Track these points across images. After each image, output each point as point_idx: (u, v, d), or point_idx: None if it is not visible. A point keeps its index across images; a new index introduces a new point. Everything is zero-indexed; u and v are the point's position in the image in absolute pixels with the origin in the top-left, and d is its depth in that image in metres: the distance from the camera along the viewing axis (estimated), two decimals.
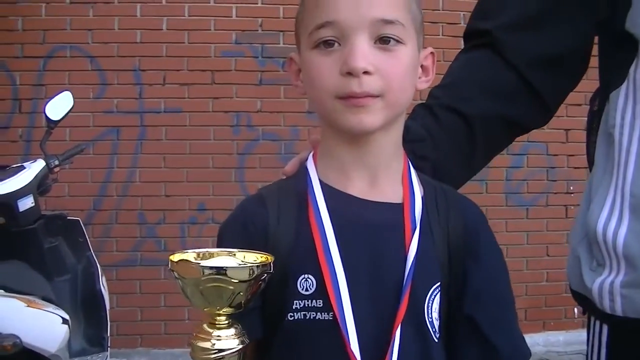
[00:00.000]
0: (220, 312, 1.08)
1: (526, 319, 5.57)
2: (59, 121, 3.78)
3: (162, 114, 5.26)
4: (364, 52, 1.16)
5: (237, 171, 5.30)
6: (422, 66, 1.30)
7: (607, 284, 1.32)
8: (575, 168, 5.48)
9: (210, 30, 5.29)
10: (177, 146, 5.26)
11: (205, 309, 1.08)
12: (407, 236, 1.22)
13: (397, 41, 1.19)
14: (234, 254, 1.12)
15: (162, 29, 5.26)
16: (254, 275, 1.05)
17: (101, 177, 5.24)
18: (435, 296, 1.22)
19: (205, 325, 1.09)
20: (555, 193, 5.65)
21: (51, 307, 3.34)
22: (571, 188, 5.59)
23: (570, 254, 1.47)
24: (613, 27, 1.38)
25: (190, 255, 1.10)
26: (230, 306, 1.07)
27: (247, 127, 5.31)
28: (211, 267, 1.04)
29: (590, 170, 1.47)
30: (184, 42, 5.27)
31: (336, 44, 1.18)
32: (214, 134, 5.29)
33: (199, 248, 1.12)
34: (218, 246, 1.22)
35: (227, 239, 1.24)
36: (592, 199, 1.39)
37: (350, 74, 1.16)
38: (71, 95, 3.81)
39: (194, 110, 5.27)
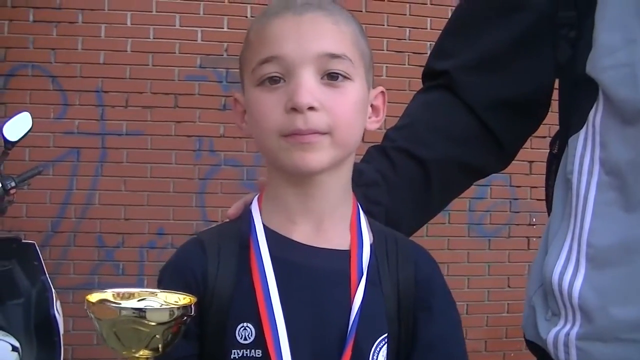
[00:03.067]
0: (137, 355, 1.01)
1: (486, 349, 5.57)
2: (16, 142, 3.70)
3: (124, 137, 5.20)
4: (309, 88, 1.12)
5: (198, 196, 5.25)
6: (372, 106, 1.26)
7: (562, 336, 1.29)
8: (538, 200, 5.47)
9: (174, 53, 5.25)
10: (138, 169, 5.20)
11: (123, 352, 1.02)
12: (353, 285, 1.17)
13: (345, 77, 1.15)
14: (156, 294, 1.06)
15: (126, 51, 5.20)
16: (173, 317, 0.99)
17: (60, 198, 5.16)
18: (381, 349, 1.17)
19: None
20: (518, 224, 5.66)
21: (0, 335, 3.26)
22: (534, 220, 5.60)
23: (525, 303, 1.43)
24: (573, 70, 1.36)
25: (109, 294, 1.05)
26: (147, 349, 1.01)
27: (209, 152, 5.26)
28: (128, 309, 0.99)
29: (549, 214, 1.45)
30: (147, 65, 5.22)
31: (281, 81, 1.14)
32: (175, 158, 5.24)
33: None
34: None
35: (166, 284, 1.18)
36: (548, 247, 1.36)
37: (295, 110, 1.11)
38: (30, 116, 3.74)
39: (156, 134, 5.21)
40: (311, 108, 1.11)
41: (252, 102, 1.18)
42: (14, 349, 3.26)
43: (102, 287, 4.99)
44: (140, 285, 5.09)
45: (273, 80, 1.14)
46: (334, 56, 1.14)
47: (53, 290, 3.72)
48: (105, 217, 5.18)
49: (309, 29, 1.15)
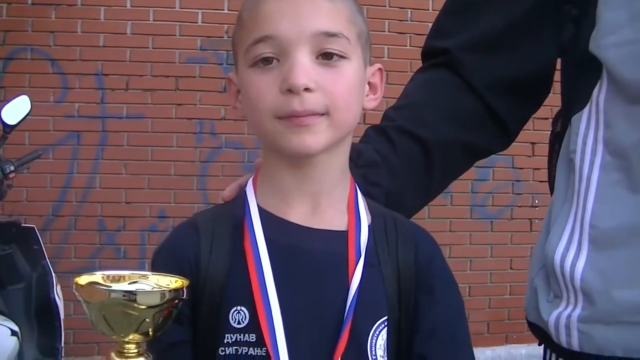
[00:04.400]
0: (127, 339, 1.00)
1: (489, 331, 5.57)
2: (15, 126, 3.69)
3: (124, 120, 5.18)
4: (304, 68, 1.09)
5: (199, 179, 5.24)
6: (369, 83, 1.23)
7: (563, 318, 1.28)
8: (541, 182, 5.46)
9: (175, 35, 5.22)
10: (138, 153, 5.19)
11: (113, 337, 1.00)
12: (351, 267, 1.15)
13: (341, 56, 1.12)
14: (147, 277, 1.04)
15: (126, 33, 5.18)
16: (164, 300, 0.97)
17: (60, 182, 5.14)
18: (380, 332, 1.15)
19: (113, 354, 1.00)
20: (520, 206, 5.65)
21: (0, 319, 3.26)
22: (536, 202, 5.59)
23: (528, 285, 1.42)
24: (577, 48, 1.33)
25: (98, 277, 1.02)
26: (137, 333, 0.99)
27: (210, 135, 5.24)
28: (118, 291, 0.97)
29: (552, 195, 1.43)
30: (148, 47, 5.19)
31: (275, 61, 1.11)
32: (176, 141, 5.23)
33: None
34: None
35: (158, 267, 1.16)
36: (551, 228, 1.34)
37: (290, 91, 1.08)
38: (29, 100, 3.72)
39: (156, 117, 5.20)
40: (307, 89, 1.08)
41: (246, 83, 1.15)
42: (13, 333, 3.26)
43: (103, 270, 5.00)
44: (142, 269, 5.02)
45: (267, 60, 1.11)
46: (329, 35, 1.11)
47: (53, 274, 3.72)
48: (106, 200, 5.17)
49: (304, 7, 1.12)
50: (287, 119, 1.10)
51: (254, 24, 1.13)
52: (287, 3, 1.12)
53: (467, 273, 5.49)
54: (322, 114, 1.11)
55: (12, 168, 3.61)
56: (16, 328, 3.28)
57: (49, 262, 3.75)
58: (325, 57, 1.11)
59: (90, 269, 4.94)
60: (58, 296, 3.69)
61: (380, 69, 1.25)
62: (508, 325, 5.59)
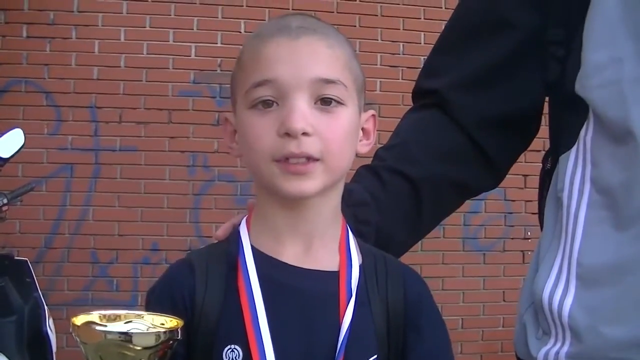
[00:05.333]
0: None
1: None
2: (8, 159, 3.69)
3: (118, 152, 5.18)
4: (303, 113, 1.11)
5: (192, 212, 5.23)
6: (363, 129, 1.25)
7: (552, 355, 1.28)
8: (533, 214, 5.38)
9: (168, 68, 5.24)
10: (131, 185, 5.18)
11: None
12: (342, 305, 1.16)
13: (338, 102, 1.15)
14: (142, 317, 1.05)
15: (119, 66, 5.20)
16: (159, 341, 0.98)
17: (53, 214, 5.13)
18: None
19: None
20: (513, 239, 5.65)
21: None
22: (529, 234, 5.59)
23: (517, 321, 1.42)
24: (563, 88, 1.35)
25: (95, 316, 1.03)
26: None
27: (203, 168, 5.24)
28: (114, 332, 0.98)
29: (542, 230, 1.44)
30: (141, 80, 5.21)
31: (274, 104, 1.13)
32: (169, 173, 5.22)
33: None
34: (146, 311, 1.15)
35: (153, 305, 1.17)
36: (539, 264, 1.35)
37: (288, 135, 1.11)
38: (22, 133, 3.72)
39: (149, 149, 5.20)
40: (304, 133, 1.11)
41: (244, 124, 1.17)
42: None
43: (96, 303, 5.03)
44: (135, 301, 5.10)
45: (266, 103, 1.14)
46: (328, 81, 1.14)
47: (46, 307, 3.69)
48: (99, 233, 5.15)
49: (304, 54, 1.15)
50: (285, 163, 1.12)
51: (254, 67, 1.16)
52: (287, 48, 1.14)
53: (459, 305, 5.48)
54: (317, 160, 1.13)
55: (5, 200, 3.61)
56: None
57: (41, 295, 3.73)
58: (324, 102, 1.14)
59: (83, 302, 4.99)
60: (50, 329, 3.67)
61: (373, 115, 1.27)
62: (501, 357, 5.56)
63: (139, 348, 0.97)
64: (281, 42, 1.15)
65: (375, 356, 1.17)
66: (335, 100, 1.15)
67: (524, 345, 1.37)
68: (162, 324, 1.04)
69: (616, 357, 1.21)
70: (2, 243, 4.79)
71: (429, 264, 5.12)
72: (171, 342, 1.01)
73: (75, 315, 1.01)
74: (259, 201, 1.25)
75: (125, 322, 1.05)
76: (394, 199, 1.48)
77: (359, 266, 1.22)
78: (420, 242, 1.60)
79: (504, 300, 5.60)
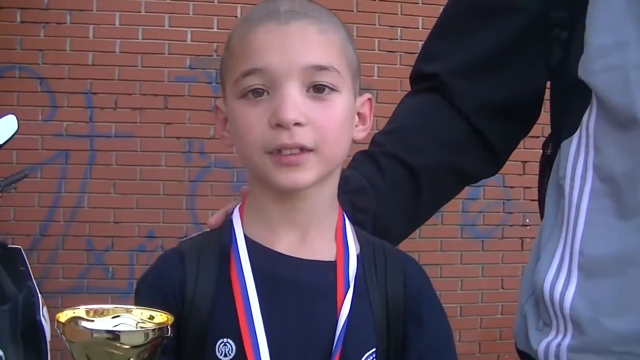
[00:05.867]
0: None
1: (480, 352, 5.55)
2: (2, 145, 3.67)
3: (113, 139, 5.15)
4: (295, 102, 1.07)
5: (188, 199, 5.21)
6: (359, 114, 1.21)
7: (553, 347, 1.26)
8: (532, 200, 5.39)
9: (164, 54, 5.20)
10: (127, 172, 5.15)
11: None
12: (339, 297, 1.13)
13: (332, 89, 1.11)
14: (131, 311, 1.01)
15: (114, 52, 5.16)
16: (148, 339, 0.94)
17: (48, 201, 5.11)
18: None
19: None
20: (511, 225, 5.63)
21: None
22: (527, 220, 5.58)
23: (517, 312, 1.40)
24: (565, 73, 1.32)
25: (81, 311, 0.98)
26: None
27: (199, 154, 5.21)
28: (101, 331, 0.93)
29: (542, 217, 1.41)
30: (136, 66, 5.17)
31: (265, 93, 1.09)
32: (165, 160, 5.20)
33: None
34: (135, 302, 1.12)
35: (143, 297, 1.15)
36: (540, 254, 1.32)
37: (280, 125, 1.07)
38: (16, 119, 3.70)
39: (145, 136, 5.17)
40: (297, 124, 1.07)
41: (235, 114, 1.13)
42: None
43: (91, 291, 5.01)
44: (130, 289, 5.06)
45: (257, 92, 1.10)
46: (320, 68, 1.10)
47: (40, 295, 3.69)
48: (94, 220, 5.13)
49: (295, 40, 1.10)
50: (277, 155, 1.09)
51: (243, 55, 1.12)
52: (277, 34, 1.10)
53: (458, 293, 5.47)
54: (310, 150, 1.09)
55: None
56: (0, 352, 3.24)
57: (35, 284, 3.73)
58: (316, 90, 1.10)
59: (78, 289, 4.97)
60: (44, 318, 3.66)
61: (369, 99, 1.23)
62: (499, 345, 5.57)
63: (127, 346, 0.93)
64: (270, 27, 1.11)
65: (374, 349, 1.14)
66: (328, 87, 1.11)
67: (524, 336, 1.35)
68: (152, 318, 1.00)
69: (619, 350, 1.19)
70: None
71: (427, 251, 5.09)
72: (160, 339, 0.96)
73: (64, 308, 0.98)
74: (253, 191, 1.21)
75: (113, 317, 1.00)
76: (393, 187, 1.45)
77: (357, 256, 1.19)
78: (418, 229, 1.58)
79: (502, 288, 5.60)
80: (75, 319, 0.97)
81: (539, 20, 1.41)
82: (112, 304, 1.01)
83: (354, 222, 1.27)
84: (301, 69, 1.08)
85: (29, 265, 3.76)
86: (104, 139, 5.15)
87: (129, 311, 1.00)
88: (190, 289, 1.14)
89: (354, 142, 1.21)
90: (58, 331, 0.95)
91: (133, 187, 5.16)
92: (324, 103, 1.10)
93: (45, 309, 3.70)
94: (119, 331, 0.94)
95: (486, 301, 5.59)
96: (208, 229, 1.26)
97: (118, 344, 0.92)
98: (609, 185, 1.21)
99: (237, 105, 1.12)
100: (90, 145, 5.14)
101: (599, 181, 1.22)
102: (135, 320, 1.00)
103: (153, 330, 0.95)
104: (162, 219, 5.18)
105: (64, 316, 0.96)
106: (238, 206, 1.24)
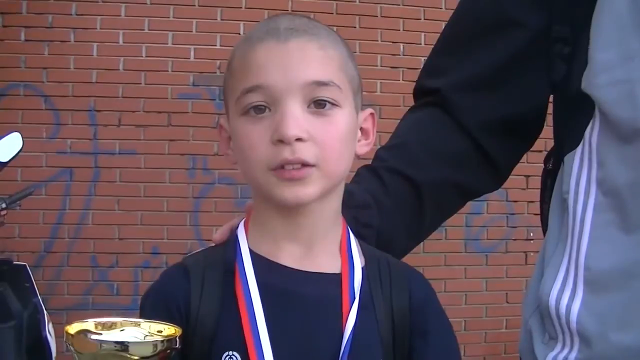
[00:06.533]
0: None
1: None
2: (7, 163, 3.68)
3: (117, 156, 5.16)
4: (296, 119, 1.08)
5: (192, 215, 5.21)
6: (361, 129, 1.21)
7: None
8: (535, 214, 5.39)
9: (167, 71, 5.22)
10: (131, 189, 5.16)
11: None
12: (345, 310, 1.13)
13: (333, 104, 1.11)
14: (139, 324, 1.01)
15: (118, 69, 5.17)
16: (157, 351, 0.95)
17: (53, 218, 5.11)
18: None
19: None
20: (515, 239, 5.63)
21: None
22: (531, 234, 5.56)
23: (522, 326, 1.39)
24: (569, 87, 1.32)
25: (90, 324, 0.98)
26: None
27: (203, 171, 5.22)
28: (109, 342, 0.94)
29: (544, 231, 1.41)
30: (140, 83, 5.19)
31: (267, 110, 1.10)
32: (169, 176, 5.21)
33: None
34: (140, 317, 1.09)
35: (147, 312, 1.15)
36: (545, 268, 1.32)
37: (281, 141, 1.07)
38: (20, 137, 3.71)
39: (149, 153, 5.18)
40: (299, 139, 1.08)
41: (238, 132, 1.14)
42: None
43: (96, 307, 5.01)
44: (135, 306, 5.01)
45: (258, 109, 1.10)
46: (320, 84, 1.10)
47: (45, 312, 3.69)
48: (98, 237, 5.13)
49: (295, 57, 1.11)
50: (280, 171, 1.09)
51: (244, 73, 1.12)
52: (277, 52, 1.11)
53: (462, 307, 5.46)
54: (313, 165, 1.09)
55: (3, 205, 3.60)
56: None
57: (40, 300, 3.73)
58: (317, 105, 1.10)
59: (83, 306, 4.97)
60: (50, 334, 3.66)
61: (372, 114, 1.24)
62: (504, 359, 5.56)
63: (136, 357, 0.93)
64: (270, 45, 1.12)
65: None
66: (329, 102, 1.11)
67: (529, 351, 1.35)
68: (160, 332, 1.01)
69: None
70: (1, 248, 4.78)
71: (431, 265, 5.08)
72: (169, 351, 0.97)
73: (70, 323, 0.98)
74: (257, 207, 1.21)
75: (121, 330, 1.01)
76: (396, 202, 1.45)
77: (362, 269, 1.19)
78: (422, 243, 1.58)
79: (506, 302, 5.58)
80: (83, 332, 0.97)
81: (541, 35, 1.41)
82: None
83: (358, 237, 1.27)
84: (301, 85, 1.09)
85: (34, 282, 3.76)
86: (108, 156, 5.16)
87: (137, 324, 1.01)
88: (195, 303, 1.14)
89: (358, 157, 1.21)
90: (67, 344, 0.95)
91: (137, 203, 5.17)
92: (325, 118, 1.11)
93: (50, 325, 3.70)
94: (128, 342, 0.94)
95: (490, 315, 5.58)
96: (213, 245, 1.26)
97: (127, 355, 0.92)
98: (613, 199, 1.21)
99: (240, 123, 1.13)
100: (94, 163, 5.15)
101: (602, 195, 1.22)
102: (143, 333, 1.00)
103: (162, 341, 0.96)
104: (166, 235, 5.18)
105: (72, 328, 0.96)
106: (243, 221, 1.24)
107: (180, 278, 1.18)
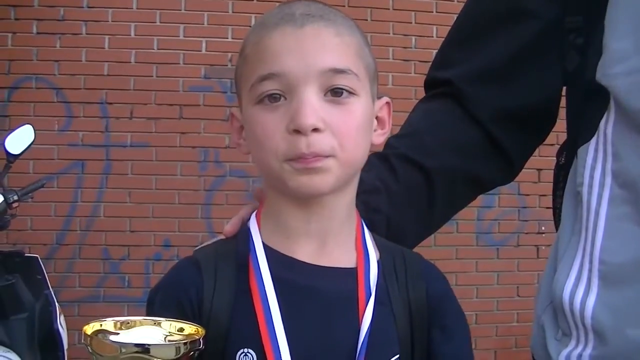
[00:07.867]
0: None
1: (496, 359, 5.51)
2: (19, 155, 3.69)
3: (129, 148, 5.17)
4: (313, 107, 1.04)
5: (204, 208, 5.21)
6: (377, 118, 1.19)
7: (574, 357, 1.22)
8: (547, 208, 5.35)
9: (179, 64, 5.22)
10: (143, 181, 5.17)
11: None
12: (361, 305, 1.11)
13: (350, 92, 1.08)
14: (159, 324, 0.98)
15: (130, 62, 5.18)
16: (180, 354, 0.91)
17: (65, 211, 5.12)
18: None
19: None
20: (527, 233, 5.61)
21: (1, 351, 3.23)
22: (543, 228, 5.55)
23: (534, 322, 1.37)
24: (582, 78, 1.29)
25: (109, 324, 0.96)
26: None
27: (215, 163, 5.22)
28: (130, 345, 0.90)
29: (557, 227, 1.39)
30: (152, 76, 5.19)
31: (282, 98, 1.07)
32: (180, 169, 5.20)
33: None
34: (148, 313, 1.09)
35: (157, 308, 1.12)
36: (558, 263, 1.29)
37: (298, 131, 1.04)
38: (32, 129, 3.72)
39: (161, 145, 5.18)
40: (315, 129, 1.05)
41: (252, 121, 1.11)
42: None
43: (107, 300, 5.02)
44: (146, 298, 5.01)
45: (273, 97, 1.07)
46: (338, 71, 1.07)
47: (57, 304, 3.70)
48: (110, 229, 5.14)
49: (311, 43, 1.08)
50: (296, 160, 1.06)
51: (258, 60, 1.09)
52: (293, 38, 1.08)
53: (473, 301, 5.45)
54: (329, 156, 1.07)
55: (15, 197, 3.60)
56: (18, 359, 3.25)
57: (52, 292, 3.74)
58: (334, 93, 1.08)
59: (94, 298, 4.98)
60: (61, 326, 3.67)
61: (387, 103, 1.22)
62: (515, 353, 5.54)
63: None
64: (286, 31, 1.09)
65: (397, 356, 1.13)
66: (346, 91, 1.08)
67: (542, 347, 1.32)
68: (181, 330, 0.98)
69: None
70: (14, 240, 4.78)
71: (442, 259, 5.07)
72: (192, 352, 0.94)
73: (82, 315, 0.95)
74: (270, 199, 1.19)
75: (140, 329, 0.98)
76: (406, 188, 1.43)
77: (377, 262, 1.17)
78: (433, 236, 1.56)
79: (518, 296, 5.57)
80: (102, 332, 0.94)
81: (554, 26, 1.40)
82: (128, 313, 0.99)
83: (368, 223, 1.25)
84: (318, 73, 1.06)
85: (46, 274, 3.77)
86: (120, 149, 5.16)
87: (157, 323, 0.98)
88: (208, 297, 1.11)
89: (374, 146, 1.19)
90: (84, 344, 0.93)
91: (149, 196, 5.17)
92: (342, 107, 1.08)
93: (62, 317, 3.71)
94: (149, 345, 0.91)
95: (502, 309, 5.56)
96: (223, 237, 1.23)
97: (148, 357, 0.90)
98: (629, 192, 1.18)
99: (254, 112, 1.10)
100: (106, 155, 5.16)
101: (617, 187, 1.19)
102: (164, 333, 0.97)
103: (185, 343, 0.93)
104: (178, 228, 5.18)
105: (90, 328, 0.94)
106: (254, 213, 1.22)
107: (192, 272, 1.15)
